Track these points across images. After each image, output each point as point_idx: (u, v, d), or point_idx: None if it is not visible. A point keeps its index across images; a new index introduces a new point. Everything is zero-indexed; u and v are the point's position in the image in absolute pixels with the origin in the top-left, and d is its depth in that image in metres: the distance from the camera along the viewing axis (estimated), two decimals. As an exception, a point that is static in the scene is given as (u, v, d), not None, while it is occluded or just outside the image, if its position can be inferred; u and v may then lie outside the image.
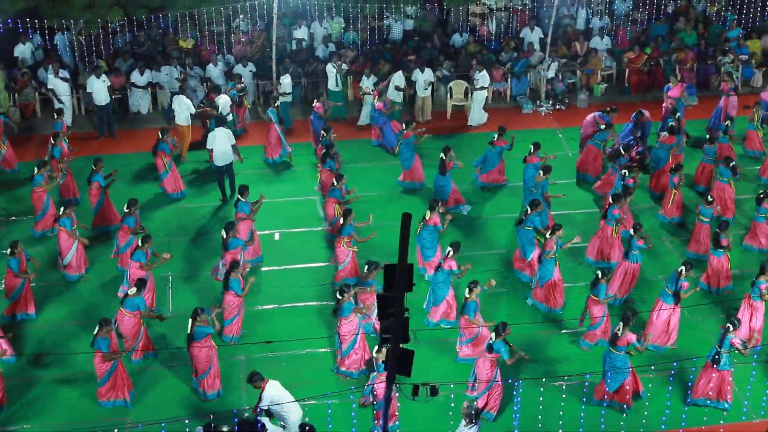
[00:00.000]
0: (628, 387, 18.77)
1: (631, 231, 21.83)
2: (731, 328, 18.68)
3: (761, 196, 23.70)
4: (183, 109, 27.48)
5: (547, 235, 21.54)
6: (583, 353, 20.72)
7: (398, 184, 26.82)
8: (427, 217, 22.38)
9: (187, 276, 23.16)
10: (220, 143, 25.55)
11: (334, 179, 23.90)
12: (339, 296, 19.38)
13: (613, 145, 27.00)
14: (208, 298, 21.96)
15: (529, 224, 22.50)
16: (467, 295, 19.68)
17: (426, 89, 30.38)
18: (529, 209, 22.50)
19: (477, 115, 30.62)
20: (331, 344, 20.54)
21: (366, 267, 20.41)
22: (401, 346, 13.31)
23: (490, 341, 18.47)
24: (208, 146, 25.75)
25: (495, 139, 26.34)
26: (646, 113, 28.18)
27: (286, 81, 29.47)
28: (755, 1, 36.67)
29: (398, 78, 29.90)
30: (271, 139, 27.70)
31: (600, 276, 20.18)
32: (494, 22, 35.11)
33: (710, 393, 19.08)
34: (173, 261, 22.79)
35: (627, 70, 33.28)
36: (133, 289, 19.65)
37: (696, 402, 19.22)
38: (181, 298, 22.36)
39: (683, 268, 20.37)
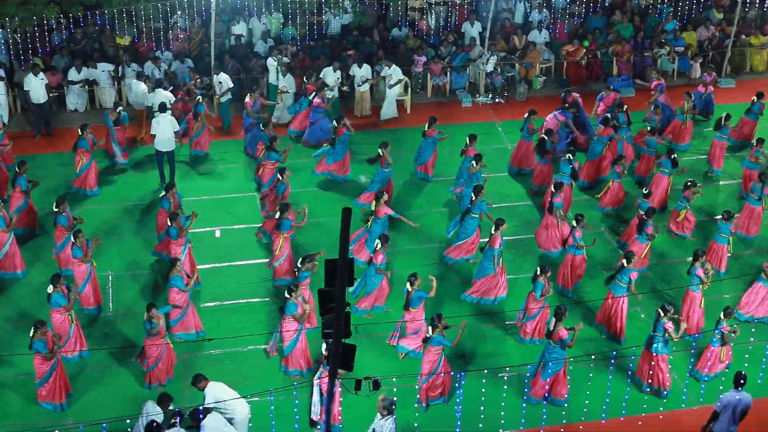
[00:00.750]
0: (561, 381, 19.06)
1: (574, 222, 22.01)
2: (662, 314, 18.92)
3: (688, 184, 24.03)
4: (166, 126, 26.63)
5: (492, 231, 21.63)
6: (522, 346, 20.86)
7: (315, 175, 26.66)
8: (374, 209, 22.48)
9: (126, 273, 22.97)
10: (163, 129, 25.69)
11: (278, 174, 23.78)
12: (287, 295, 19.35)
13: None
14: (149, 295, 21.90)
15: (476, 211, 22.68)
16: (409, 288, 19.70)
17: (364, 84, 30.37)
18: (474, 196, 22.67)
19: (388, 110, 30.57)
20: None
21: (300, 261, 20.37)
22: (343, 341, 13.32)
23: (428, 336, 18.53)
24: (152, 132, 25.92)
25: (426, 129, 26.45)
26: (575, 94, 28.74)
27: (223, 78, 29.18)
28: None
29: (328, 73, 29.83)
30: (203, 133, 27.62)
31: (539, 273, 20.29)
32: (433, 16, 35.15)
33: (649, 380, 19.35)
34: (112, 259, 22.67)
35: (565, 63, 33.52)
36: (50, 287, 19.46)
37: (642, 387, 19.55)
38: (122, 296, 22.18)
39: (624, 260, 20.66)
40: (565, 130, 27.94)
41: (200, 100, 27.25)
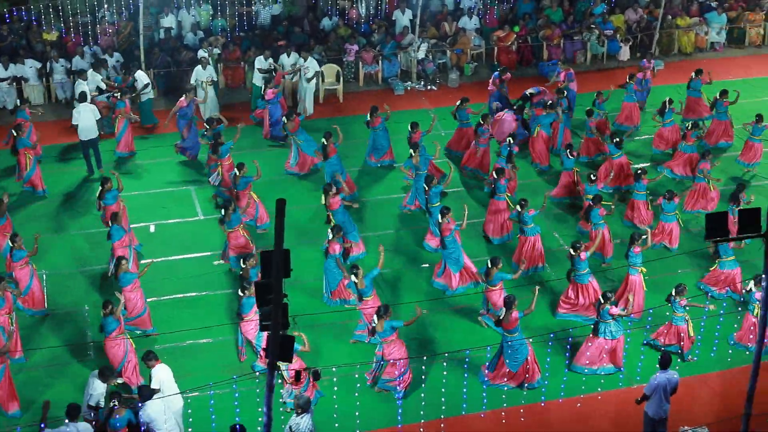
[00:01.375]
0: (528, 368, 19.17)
1: (518, 207, 22.16)
2: (602, 302, 19.10)
3: (638, 172, 24.24)
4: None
5: (440, 219, 21.65)
6: (482, 330, 20.99)
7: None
8: (323, 202, 22.55)
9: (61, 273, 22.71)
10: (85, 119, 25.71)
11: (236, 169, 23.49)
12: (240, 293, 19.26)
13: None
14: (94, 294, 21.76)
15: (435, 200, 22.74)
16: (355, 281, 19.66)
17: (294, 75, 30.25)
18: (426, 186, 22.75)
19: (308, 105, 30.50)
20: (213, 335, 20.39)
21: (242, 260, 20.30)
22: (281, 332, 13.26)
23: (373, 325, 18.54)
24: (74, 122, 25.84)
25: (369, 119, 26.44)
26: (508, 74, 29.19)
27: (138, 76, 28.68)
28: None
29: (259, 61, 29.69)
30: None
31: (490, 266, 20.27)
32: (363, 4, 35.12)
33: (590, 361, 19.59)
34: (49, 258, 22.48)
35: (496, 48, 33.68)
36: None
37: (575, 369, 19.76)
38: (58, 295, 21.93)
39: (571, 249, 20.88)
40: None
41: (120, 97, 26.90)
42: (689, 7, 36.64)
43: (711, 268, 22.17)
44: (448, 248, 21.82)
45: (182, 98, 27.11)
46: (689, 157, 26.32)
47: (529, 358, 19.09)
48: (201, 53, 30.02)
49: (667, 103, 27.60)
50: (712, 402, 19.20)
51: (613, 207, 23.29)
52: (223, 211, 21.88)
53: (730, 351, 20.38)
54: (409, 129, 25.47)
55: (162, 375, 17.48)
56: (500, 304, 19.72)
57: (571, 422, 18.77)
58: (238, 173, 23.26)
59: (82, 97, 25.97)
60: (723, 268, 21.82)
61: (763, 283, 13.88)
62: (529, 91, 28.79)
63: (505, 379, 19.14)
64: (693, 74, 29.45)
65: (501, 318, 18.78)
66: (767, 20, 36.69)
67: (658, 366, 17.84)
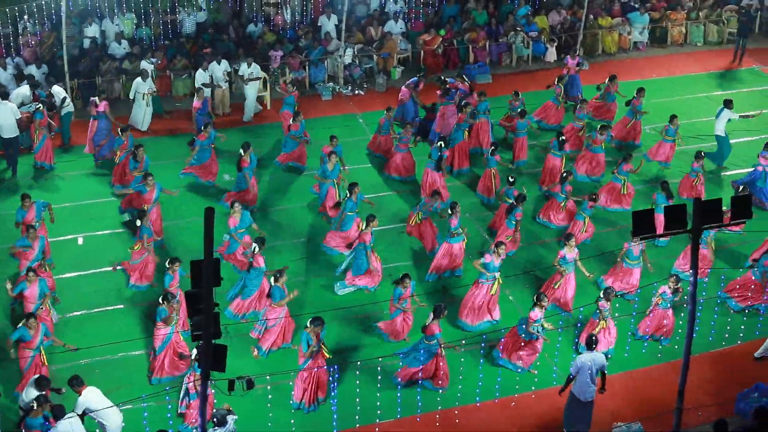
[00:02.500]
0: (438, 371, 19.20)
1: (449, 210, 22.22)
2: (539, 304, 19.20)
3: (564, 175, 24.45)
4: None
5: (363, 228, 21.63)
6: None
7: (182, 176, 26.19)
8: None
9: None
10: (2, 117, 25.66)
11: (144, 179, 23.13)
12: (161, 301, 19.09)
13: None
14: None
15: (354, 208, 22.78)
16: (272, 283, 19.59)
17: (225, 81, 30.14)
18: (349, 193, 22.71)
19: (251, 109, 30.40)
20: (143, 347, 20.19)
21: (167, 262, 20.11)
22: (213, 341, 13.17)
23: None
24: None
25: (291, 123, 26.37)
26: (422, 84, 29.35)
27: (55, 91, 28.04)
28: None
29: (201, 75, 29.45)
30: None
31: (398, 282, 20.18)
32: (289, 10, 35.04)
33: (519, 362, 19.70)
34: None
35: (422, 52, 33.80)
36: None
37: (502, 363, 19.87)
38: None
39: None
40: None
41: (39, 108, 26.47)
42: (611, 7, 37.10)
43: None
44: (358, 255, 21.87)
45: (195, 101, 27.58)
46: (595, 157, 26.67)
47: (435, 360, 19.10)
48: (144, 64, 29.85)
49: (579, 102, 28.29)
50: (644, 398, 19.39)
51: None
52: (138, 221, 21.68)
53: (660, 347, 20.62)
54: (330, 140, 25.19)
55: (90, 400, 17.06)
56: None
57: (503, 423, 18.90)
58: (145, 182, 22.95)
59: (2, 95, 25.84)
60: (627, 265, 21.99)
61: (691, 278, 14.09)
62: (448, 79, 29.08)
63: (420, 375, 19.14)
64: (607, 80, 29.77)
65: (426, 324, 18.80)
66: (689, 19, 37.26)
67: (584, 345, 18.12)
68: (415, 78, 29.47)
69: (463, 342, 19.66)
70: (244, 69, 29.91)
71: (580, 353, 18.73)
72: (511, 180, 23.98)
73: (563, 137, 26.05)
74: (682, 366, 14.37)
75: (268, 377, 18.19)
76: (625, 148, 27.82)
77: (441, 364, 19.19)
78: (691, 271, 14.07)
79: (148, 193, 22.87)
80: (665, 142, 27.10)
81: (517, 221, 22.78)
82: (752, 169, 26.02)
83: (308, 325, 18.19)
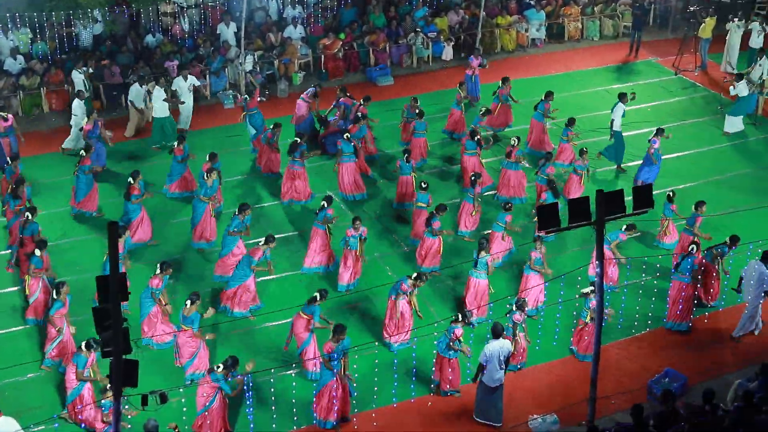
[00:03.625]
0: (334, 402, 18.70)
1: (352, 230, 22.15)
2: (457, 319, 19.10)
3: (473, 179, 24.53)
4: None
5: (260, 244, 21.35)
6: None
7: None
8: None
9: None
10: None
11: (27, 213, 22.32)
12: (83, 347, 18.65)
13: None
14: None
15: (240, 228, 22.48)
16: (188, 306, 19.25)
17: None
18: (237, 211, 22.42)
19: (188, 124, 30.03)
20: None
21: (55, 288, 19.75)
22: (124, 357, 13.02)
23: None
24: None
25: (175, 146, 25.76)
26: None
27: None
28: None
29: (157, 92, 28.89)
30: None
31: (313, 300, 19.94)
32: (186, 20, 34.75)
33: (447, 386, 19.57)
34: None
35: (323, 56, 33.79)
36: None
37: (443, 392, 19.61)
38: None
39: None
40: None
41: None
42: (508, 5, 37.50)
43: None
44: (243, 272, 21.55)
45: (86, 123, 26.61)
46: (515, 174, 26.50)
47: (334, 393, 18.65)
48: (75, 74, 29.75)
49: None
50: (558, 388, 19.63)
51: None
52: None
53: (572, 339, 20.88)
54: (207, 158, 24.50)
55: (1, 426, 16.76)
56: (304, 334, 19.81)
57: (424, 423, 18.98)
58: (30, 217, 22.22)
59: None
60: (527, 272, 21.96)
61: (597, 269, 14.31)
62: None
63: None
64: (500, 83, 29.78)
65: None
66: (584, 15, 37.82)
67: (490, 335, 18.29)
68: (313, 88, 29.11)
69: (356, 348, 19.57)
70: (181, 83, 29.56)
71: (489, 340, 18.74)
72: (423, 186, 24.05)
73: (478, 136, 26.24)
74: (593, 355, 14.59)
75: (181, 389, 18.05)
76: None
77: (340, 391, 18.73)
78: (597, 262, 14.28)
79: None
80: (563, 143, 27.52)
81: (438, 230, 22.78)
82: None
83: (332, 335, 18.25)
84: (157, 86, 28.88)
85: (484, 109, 27.93)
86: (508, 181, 26.01)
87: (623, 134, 27.84)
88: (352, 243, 22.05)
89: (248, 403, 18.40)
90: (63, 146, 28.23)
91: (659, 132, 26.25)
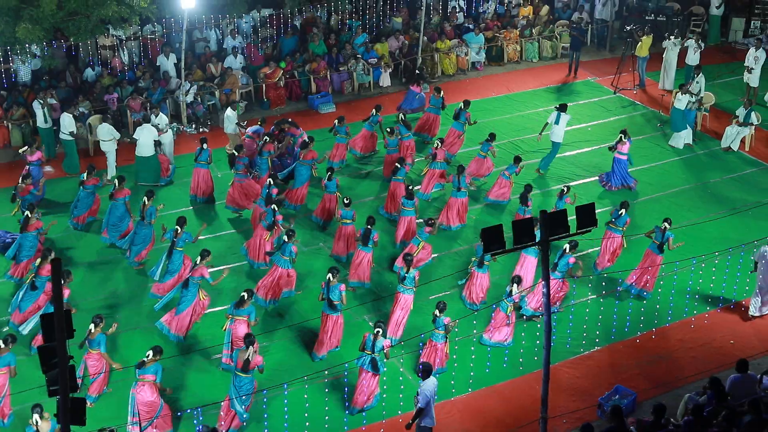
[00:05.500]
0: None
1: (285, 238, 22.26)
2: (380, 333, 19.03)
3: (410, 188, 24.85)
4: None
5: (198, 261, 21.36)
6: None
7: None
8: None
9: None
10: None
11: None
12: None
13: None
14: None
15: (182, 244, 22.67)
16: (92, 329, 19.09)
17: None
18: (179, 228, 22.55)
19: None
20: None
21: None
22: (71, 395, 12.87)
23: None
24: None
25: (85, 178, 25.64)
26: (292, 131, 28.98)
27: None
28: (375, 6, 38.22)
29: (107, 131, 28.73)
30: None
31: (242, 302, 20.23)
32: (126, 52, 34.54)
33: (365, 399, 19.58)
34: None
35: (264, 85, 33.77)
36: None
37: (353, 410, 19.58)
38: None
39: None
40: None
41: None
42: (447, 29, 37.73)
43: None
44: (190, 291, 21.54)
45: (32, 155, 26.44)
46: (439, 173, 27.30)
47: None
48: (35, 104, 29.43)
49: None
50: (509, 410, 19.66)
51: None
52: None
53: (521, 359, 20.94)
54: (144, 201, 24.08)
55: None
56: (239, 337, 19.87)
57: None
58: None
59: None
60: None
61: (543, 290, 14.37)
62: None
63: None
64: (434, 92, 31.00)
65: (249, 359, 18.44)
66: (523, 37, 38.16)
67: (420, 377, 18.03)
68: (257, 127, 28.79)
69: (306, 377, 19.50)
70: (154, 121, 29.25)
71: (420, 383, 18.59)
72: (346, 201, 24.32)
73: (407, 162, 26.60)
74: (543, 375, 14.62)
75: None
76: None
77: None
78: (543, 282, 14.34)
79: None
80: (480, 157, 28.02)
81: (374, 242, 22.98)
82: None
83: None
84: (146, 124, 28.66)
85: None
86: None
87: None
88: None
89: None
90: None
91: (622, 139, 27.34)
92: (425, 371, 17.93)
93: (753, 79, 33.27)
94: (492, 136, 27.72)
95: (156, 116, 29.13)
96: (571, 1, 40.87)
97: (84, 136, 30.16)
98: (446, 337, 20.11)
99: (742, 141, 30.23)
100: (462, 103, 29.52)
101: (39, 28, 28.91)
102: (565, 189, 24.66)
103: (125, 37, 34.36)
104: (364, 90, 35.17)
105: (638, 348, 21.53)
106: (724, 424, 16.35)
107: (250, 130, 28.60)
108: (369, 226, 22.91)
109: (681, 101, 29.90)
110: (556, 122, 28.35)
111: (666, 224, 22.60)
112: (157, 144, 28.11)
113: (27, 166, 26.33)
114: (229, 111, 29.50)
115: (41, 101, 29.32)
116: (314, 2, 37.19)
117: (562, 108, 28.48)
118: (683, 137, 30.40)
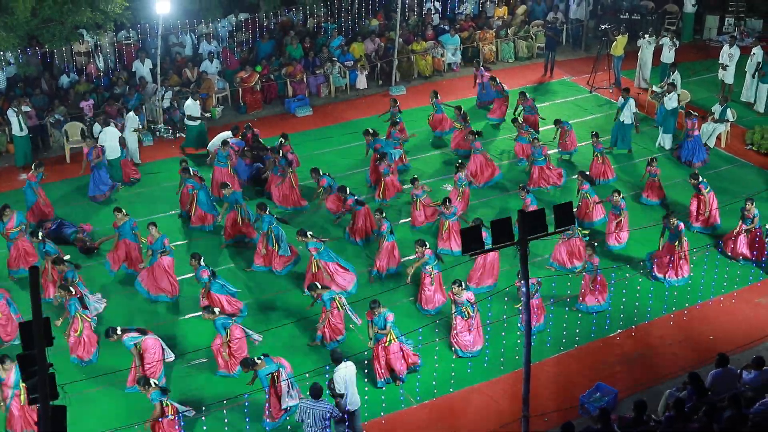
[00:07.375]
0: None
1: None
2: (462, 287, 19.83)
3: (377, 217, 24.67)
4: None
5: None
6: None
7: None
8: None
9: None
10: None
11: None
12: None
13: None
14: None
15: (159, 246, 22.75)
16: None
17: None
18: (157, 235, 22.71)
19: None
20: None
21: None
22: (51, 403, 12.80)
23: None
24: None
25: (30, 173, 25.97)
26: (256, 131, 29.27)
27: None
28: (351, 9, 38.22)
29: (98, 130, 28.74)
30: None
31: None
32: (101, 58, 34.41)
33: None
34: None
35: (240, 89, 33.71)
36: None
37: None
38: None
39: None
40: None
41: None
42: (423, 31, 37.77)
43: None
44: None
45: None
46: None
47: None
48: (10, 112, 29.39)
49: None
50: (491, 410, 19.68)
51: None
52: None
53: (502, 359, 20.96)
54: (116, 215, 24.09)
55: None
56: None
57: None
58: None
59: None
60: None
61: (523, 289, 14.41)
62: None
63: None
64: (431, 96, 30.94)
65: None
66: (498, 37, 38.23)
67: (310, 395, 17.73)
68: (237, 140, 28.95)
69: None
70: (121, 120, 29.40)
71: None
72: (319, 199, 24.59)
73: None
74: (524, 374, 14.66)
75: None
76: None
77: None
78: (522, 282, 14.38)
79: None
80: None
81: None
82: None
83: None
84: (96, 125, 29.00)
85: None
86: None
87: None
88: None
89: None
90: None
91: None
92: (314, 393, 17.59)
93: (728, 76, 33.45)
94: (478, 133, 28.34)
95: (125, 113, 29.53)
96: None
97: (61, 143, 30.10)
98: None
99: (718, 138, 30.36)
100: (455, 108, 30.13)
101: (13, 35, 28.82)
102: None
103: (100, 44, 34.22)
104: (340, 93, 35.15)
105: (618, 345, 21.58)
106: (705, 419, 16.42)
107: (232, 141, 28.57)
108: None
109: (671, 100, 29.99)
110: (623, 107, 29.67)
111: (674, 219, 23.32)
112: (123, 144, 28.34)
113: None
114: (189, 101, 29.63)
115: (15, 109, 29.18)
116: (289, 5, 37.17)
117: (627, 91, 30.02)
118: (670, 138, 30.50)
